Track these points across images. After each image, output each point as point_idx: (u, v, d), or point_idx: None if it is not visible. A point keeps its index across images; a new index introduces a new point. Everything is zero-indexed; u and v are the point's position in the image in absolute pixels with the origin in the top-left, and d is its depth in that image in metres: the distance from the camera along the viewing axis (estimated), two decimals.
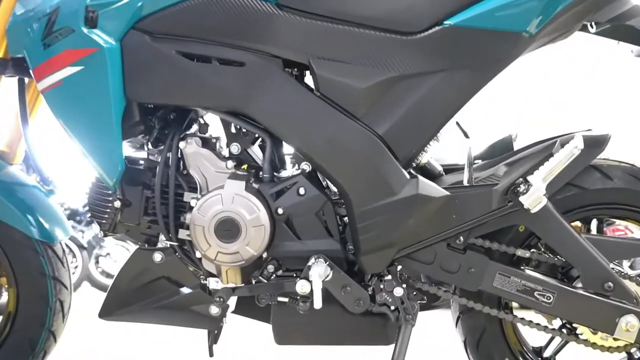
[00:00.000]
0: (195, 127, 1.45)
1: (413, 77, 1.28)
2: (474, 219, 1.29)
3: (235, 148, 1.41)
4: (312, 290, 1.27)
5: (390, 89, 1.29)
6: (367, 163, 1.29)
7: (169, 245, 1.42)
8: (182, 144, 1.38)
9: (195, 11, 1.27)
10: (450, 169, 1.52)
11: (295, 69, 1.35)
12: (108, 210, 1.42)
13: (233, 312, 1.48)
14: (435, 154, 1.50)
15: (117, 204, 1.41)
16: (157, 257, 1.43)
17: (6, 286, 1.60)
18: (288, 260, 1.38)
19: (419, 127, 1.30)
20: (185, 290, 1.44)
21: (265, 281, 1.37)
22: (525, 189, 1.24)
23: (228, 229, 1.32)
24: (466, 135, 1.39)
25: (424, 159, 1.46)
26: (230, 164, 1.37)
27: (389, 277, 1.34)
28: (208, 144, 1.41)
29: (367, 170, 1.29)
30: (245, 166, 1.40)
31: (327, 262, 1.31)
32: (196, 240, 1.34)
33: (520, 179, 1.27)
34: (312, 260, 1.30)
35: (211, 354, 1.49)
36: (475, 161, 1.47)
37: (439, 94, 1.28)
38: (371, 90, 1.28)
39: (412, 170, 1.36)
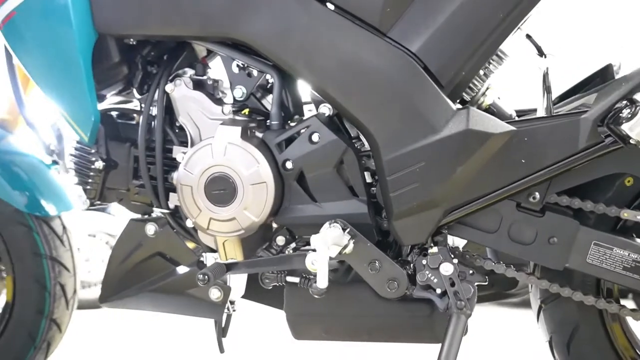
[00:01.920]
0: (191, 71, 1.16)
1: None
2: (554, 164, 0.90)
3: (239, 92, 1.11)
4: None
5: None
6: (396, 91, 0.94)
7: (162, 215, 1.15)
8: (169, 87, 1.10)
9: None
10: (526, 113, 1.13)
11: None
12: (91, 173, 1.17)
13: (243, 297, 1.18)
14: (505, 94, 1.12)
15: (100, 164, 1.16)
16: (150, 229, 1.17)
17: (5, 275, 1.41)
18: (301, 229, 1.06)
19: (467, 38, 0.93)
20: (182, 269, 1.17)
21: (271, 255, 1.06)
22: (630, 112, 0.83)
23: (221, 189, 1.03)
24: (541, 53, 1.00)
25: (488, 98, 1.09)
26: (228, 108, 1.08)
27: (435, 249, 0.98)
28: (202, 86, 1.13)
29: (396, 101, 0.95)
30: (246, 111, 1.09)
31: (348, 229, 0.97)
32: (184, 205, 1.06)
33: (624, 102, 0.86)
34: (326, 225, 0.96)
35: (221, 350, 1.20)
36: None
37: None
38: None
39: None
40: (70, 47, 1.05)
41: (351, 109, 0.98)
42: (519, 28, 0.99)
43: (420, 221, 0.96)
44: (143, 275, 1.21)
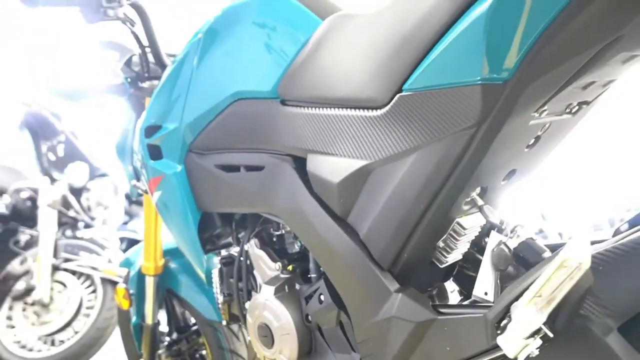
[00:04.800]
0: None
1: (386, 163, 1.00)
2: (472, 357, 0.89)
3: (300, 243, 1.38)
4: None
5: (367, 180, 1.04)
6: (350, 273, 1.07)
7: None
8: (246, 245, 1.45)
9: (223, 126, 1.34)
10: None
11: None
12: (219, 305, 1.60)
13: None
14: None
15: (220, 298, 1.57)
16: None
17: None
18: None
19: (399, 226, 0.99)
20: None
21: None
22: (507, 323, 0.79)
23: (265, 335, 1.31)
24: (493, 226, 0.96)
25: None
26: (278, 265, 1.35)
27: None
28: (270, 242, 1.43)
29: (352, 282, 1.07)
30: (290, 267, 1.35)
31: None
32: (252, 342, 1.38)
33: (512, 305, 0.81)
34: None
35: None
36: None
37: (414, 179, 0.96)
38: (346, 185, 1.07)
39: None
40: (186, 224, 1.50)
41: (332, 281, 1.14)
42: (471, 200, 0.99)
43: None
44: None
